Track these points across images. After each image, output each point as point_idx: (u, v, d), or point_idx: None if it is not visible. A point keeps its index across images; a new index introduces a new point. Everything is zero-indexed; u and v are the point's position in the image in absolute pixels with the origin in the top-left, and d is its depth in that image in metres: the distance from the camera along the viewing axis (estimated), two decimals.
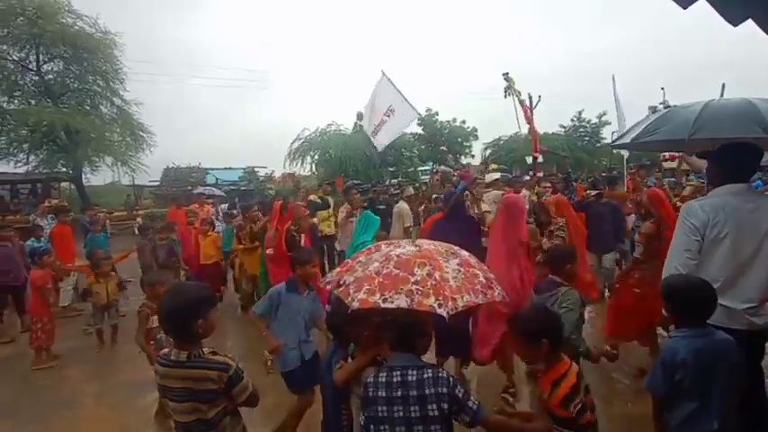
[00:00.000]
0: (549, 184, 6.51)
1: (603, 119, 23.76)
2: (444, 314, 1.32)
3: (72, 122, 13.71)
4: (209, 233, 6.16)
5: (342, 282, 1.56)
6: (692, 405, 1.67)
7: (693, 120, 2.26)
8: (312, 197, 6.91)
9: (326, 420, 2.02)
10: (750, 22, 1.56)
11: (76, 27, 14.92)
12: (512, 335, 1.77)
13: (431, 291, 1.38)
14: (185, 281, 5.16)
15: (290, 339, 2.55)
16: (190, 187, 15.88)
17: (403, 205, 6.53)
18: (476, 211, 3.68)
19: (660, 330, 3.50)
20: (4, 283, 5.19)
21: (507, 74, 4.92)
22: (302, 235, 5.03)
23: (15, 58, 14.81)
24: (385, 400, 1.42)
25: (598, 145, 23.78)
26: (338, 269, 1.73)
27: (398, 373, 1.44)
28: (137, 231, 7.87)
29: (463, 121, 25.59)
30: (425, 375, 1.41)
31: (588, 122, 25.03)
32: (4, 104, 14.81)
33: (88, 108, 15.72)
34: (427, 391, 1.39)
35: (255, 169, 20.91)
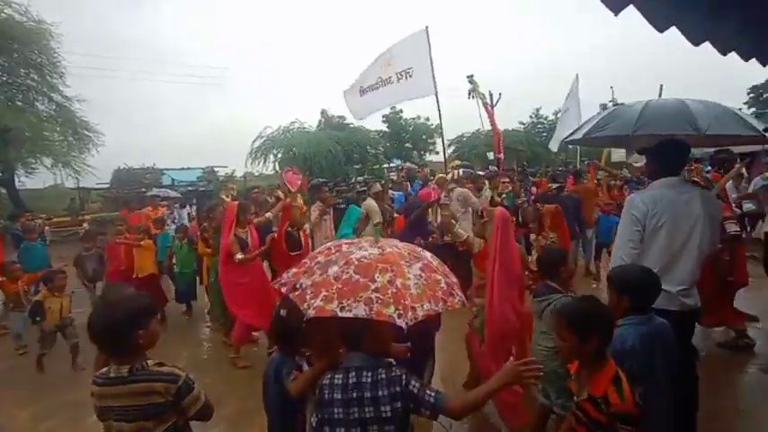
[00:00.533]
0: (507, 179, 6.71)
1: (560, 116, 24.91)
2: (403, 325, 1.28)
3: (0, 120, 12.40)
4: (143, 241, 5.37)
5: (299, 285, 1.48)
6: (639, 390, 1.73)
7: (636, 118, 2.44)
8: (278, 194, 6.47)
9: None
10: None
11: (4, 15, 13.47)
12: (560, 328, 1.63)
13: (391, 300, 1.32)
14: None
15: None
16: (144, 189, 14.96)
17: (371, 202, 6.46)
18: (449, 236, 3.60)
19: None
20: None
21: (472, 76, 4.99)
22: (303, 234, 4.89)
23: None
24: (341, 402, 1.39)
25: (563, 140, 24.89)
26: (295, 270, 1.61)
27: (353, 374, 1.41)
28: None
29: (427, 119, 25.93)
30: (380, 376, 1.39)
31: (546, 119, 26.13)
32: None
33: (20, 104, 14.24)
34: (380, 393, 1.37)
35: (215, 169, 20.11)
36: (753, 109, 24.49)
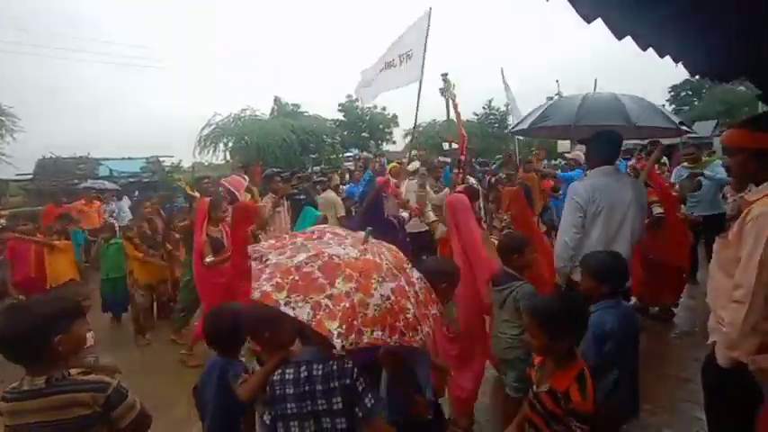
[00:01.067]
0: (458, 170, 6.88)
1: (510, 107, 25.94)
2: (338, 346, 1.16)
3: None
4: (57, 242, 4.47)
5: (265, 258, 1.35)
6: (616, 373, 1.80)
7: (576, 110, 2.61)
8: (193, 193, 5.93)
9: None
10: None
11: None
12: (532, 326, 1.58)
13: (339, 313, 1.20)
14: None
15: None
16: (76, 180, 13.58)
17: (331, 194, 6.27)
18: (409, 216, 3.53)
19: None
20: None
21: (446, 75, 4.92)
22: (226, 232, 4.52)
23: None
24: (293, 397, 1.37)
25: (506, 131, 25.99)
26: (272, 241, 1.47)
27: (304, 368, 1.39)
28: None
29: (384, 108, 25.88)
30: (332, 368, 1.38)
31: (498, 110, 27.08)
32: None
33: None
34: (331, 384, 1.36)
35: (160, 159, 18.74)
36: (672, 106, 27.61)
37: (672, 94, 31.21)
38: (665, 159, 6.73)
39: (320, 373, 1.37)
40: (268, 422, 1.41)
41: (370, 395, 1.39)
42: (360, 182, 8.23)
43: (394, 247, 1.56)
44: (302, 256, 1.33)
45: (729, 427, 1.74)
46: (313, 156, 17.55)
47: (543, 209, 6.22)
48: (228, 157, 15.92)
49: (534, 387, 1.66)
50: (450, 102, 4.84)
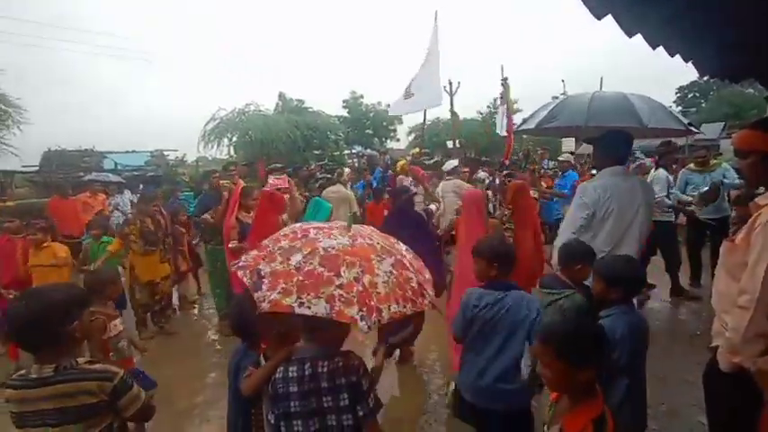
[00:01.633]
0: (467, 169, 6.87)
1: (515, 106, 25.80)
2: (365, 328, 1.19)
3: None
4: (45, 243, 3.81)
5: (256, 271, 1.33)
6: (625, 381, 1.72)
7: (585, 110, 2.57)
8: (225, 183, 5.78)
9: (232, 428, 1.80)
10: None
11: None
12: (541, 353, 1.32)
13: (355, 298, 1.21)
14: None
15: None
16: (82, 173, 13.62)
17: (343, 189, 6.11)
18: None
19: None
20: None
21: (506, 79, 4.84)
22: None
23: None
24: (297, 395, 1.36)
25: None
26: (254, 252, 1.45)
27: (308, 365, 1.37)
28: None
29: (388, 105, 25.76)
30: (338, 365, 1.37)
31: None
32: None
33: None
34: (338, 381, 1.35)
35: (164, 153, 18.80)
36: (679, 108, 27.21)
37: (678, 95, 30.92)
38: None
39: (325, 369, 1.36)
40: (272, 421, 1.40)
41: (372, 395, 1.39)
42: (368, 179, 8.11)
43: (375, 229, 1.63)
44: (298, 257, 1.32)
45: None
46: (317, 152, 17.54)
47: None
48: (233, 152, 15.94)
49: (545, 428, 1.45)
50: (506, 106, 4.80)
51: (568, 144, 15.78)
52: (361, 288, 1.24)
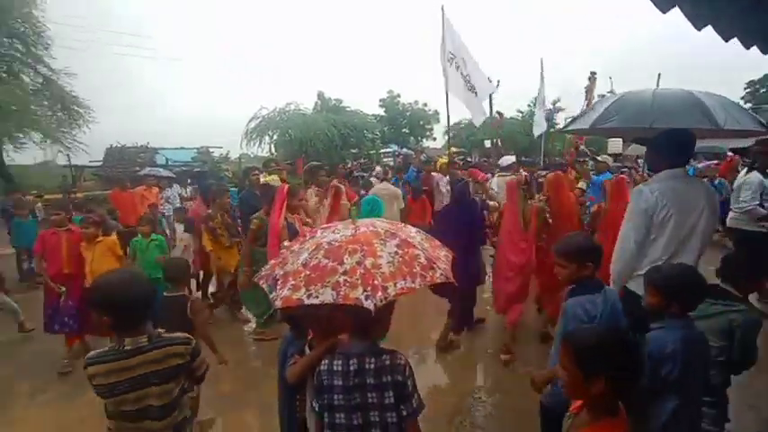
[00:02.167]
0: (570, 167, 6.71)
1: (557, 105, 24.76)
2: (371, 307, 1.21)
3: None
4: (99, 238, 3.79)
5: (273, 277, 1.44)
6: (675, 401, 1.59)
7: (648, 109, 2.35)
8: (266, 179, 5.96)
9: (281, 412, 1.87)
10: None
11: None
12: (565, 358, 1.27)
13: (359, 281, 1.26)
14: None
15: None
16: (138, 168, 14.66)
17: (391, 186, 6.16)
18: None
19: None
20: None
21: (594, 74, 4.79)
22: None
23: None
24: (342, 389, 1.39)
25: (552, 130, 24.82)
26: (272, 261, 1.58)
27: (355, 361, 1.40)
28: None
29: (425, 104, 25.64)
30: (385, 363, 1.39)
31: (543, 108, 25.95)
32: None
33: (5, 75, 13.46)
34: (384, 379, 1.37)
35: (210, 149, 19.79)
36: (749, 104, 24.34)
37: (748, 90, 26.98)
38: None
39: (372, 367, 1.38)
40: (317, 409, 1.45)
41: (417, 395, 1.41)
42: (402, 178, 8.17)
43: (382, 220, 1.70)
44: (304, 255, 1.41)
45: None
46: (353, 150, 17.77)
47: None
48: (273, 149, 16.48)
49: None
50: (589, 99, 4.74)
51: (615, 144, 14.86)
52: (363, 270, 1.29)
